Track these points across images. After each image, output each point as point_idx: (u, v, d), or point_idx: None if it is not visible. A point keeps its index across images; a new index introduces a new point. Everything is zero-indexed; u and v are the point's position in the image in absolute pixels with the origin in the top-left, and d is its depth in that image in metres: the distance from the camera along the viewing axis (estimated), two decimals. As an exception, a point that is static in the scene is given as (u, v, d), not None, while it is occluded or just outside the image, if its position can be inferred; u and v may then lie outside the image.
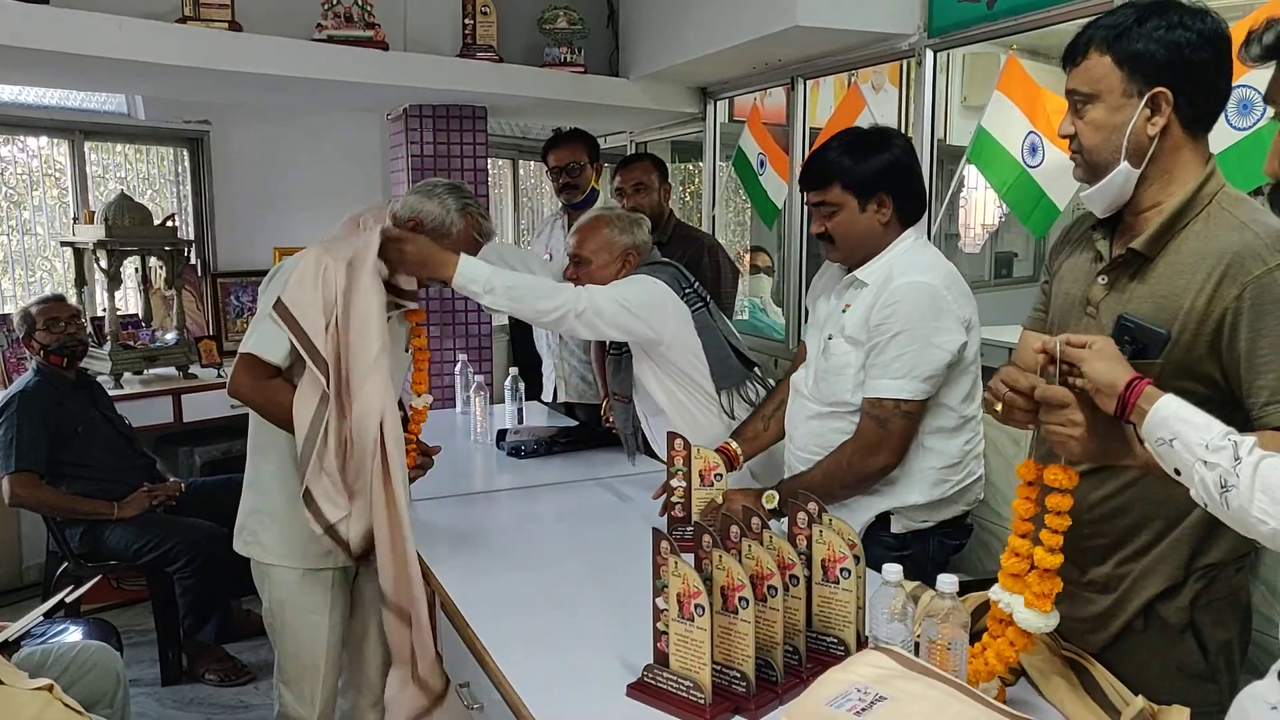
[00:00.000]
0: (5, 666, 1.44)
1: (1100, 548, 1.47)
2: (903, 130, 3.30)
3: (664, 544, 1.39)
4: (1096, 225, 1.52)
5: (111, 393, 3.65)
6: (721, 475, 2.04)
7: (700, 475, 2.04)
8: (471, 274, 2.07)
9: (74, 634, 2.51)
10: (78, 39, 2.78)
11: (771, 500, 1.93)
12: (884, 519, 1.97)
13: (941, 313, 1.86)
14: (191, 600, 3.17)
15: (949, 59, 4.67)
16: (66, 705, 1.44)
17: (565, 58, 3.88)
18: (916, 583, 1.63)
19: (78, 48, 2.78)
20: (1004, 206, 5.20)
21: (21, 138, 4.25)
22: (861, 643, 1.47)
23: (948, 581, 1.31)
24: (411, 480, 2.09)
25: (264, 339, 1.96)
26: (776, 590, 1.41)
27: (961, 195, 5.31)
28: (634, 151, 4.96)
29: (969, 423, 1.98)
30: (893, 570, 1.35)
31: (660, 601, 1.40)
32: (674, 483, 2.05)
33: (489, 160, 4.26)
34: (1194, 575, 1.41)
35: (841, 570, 1.49)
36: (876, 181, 1.91)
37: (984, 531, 2.39)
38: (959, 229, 5.39)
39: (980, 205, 5.52)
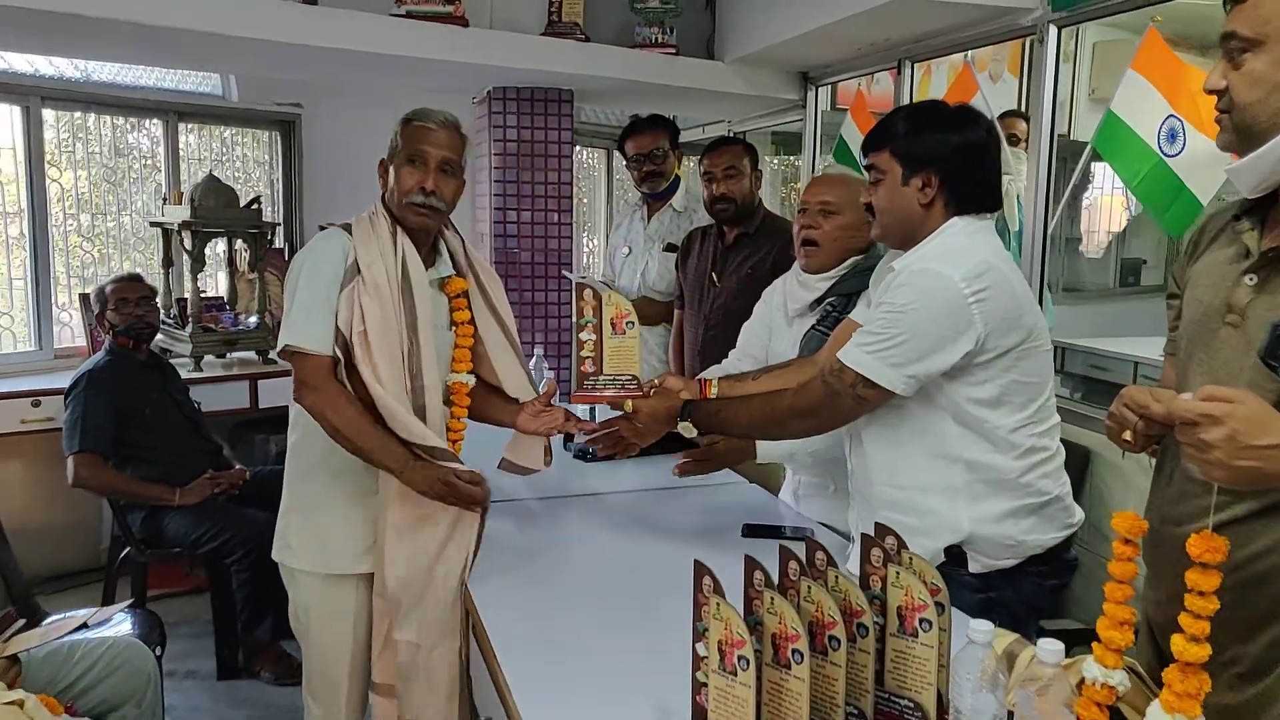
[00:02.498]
0: (-19, 678, 1.32)
1: (1245, 620, 1.18)
2: (1021, 119, 3.01)
3: (706, 580, 1.18)
4: (1242, 214, 1.24)
5: (190, 376, 3.63)
6: (633, 324, 1.93)
7: (612, 324, 1.93)
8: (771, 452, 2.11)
9: (121, 622, 2.46)
10: (162, 12, 2.75)
11: (690, 431, 1.85)
12: (958, 556, 1.68)
13: (951, 314, 1.57)
14: (249, 593, 3.08)
15: (1077, 43, 4.31)
16: (34, 720, 1.32)
17: (657, 38, 3.68)
18: (1015, 636, 1.37)
19: (160, 20, 2.75)
20: (1133, 207, 4.81)
21: (146, 122, 4.30)
22: (943, 707, 1.22)
23: (1051, 650, 1.06)
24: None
25: (295, 329, 1.81)
26: (839, 642, 1.17)
27: (1085, 196, 4.94)
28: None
29: (1016, 432, 1.66)
30: (981, 630, 1.10)
31: (700, 647, 1.19)
32: (583, 335, 1.94)
33: (582, 149, 4.10)
34: None
35: (921, 621, 1.24)
36: (926, 157, 1.68)
37: (1102, 569, 2.10)
38: (1081, 233, 5.01)
39: (1106, 207, 5.12)
